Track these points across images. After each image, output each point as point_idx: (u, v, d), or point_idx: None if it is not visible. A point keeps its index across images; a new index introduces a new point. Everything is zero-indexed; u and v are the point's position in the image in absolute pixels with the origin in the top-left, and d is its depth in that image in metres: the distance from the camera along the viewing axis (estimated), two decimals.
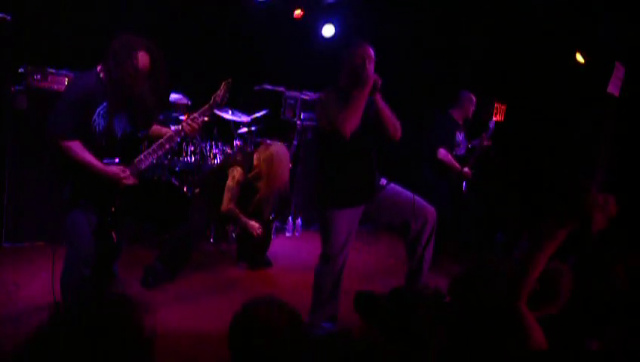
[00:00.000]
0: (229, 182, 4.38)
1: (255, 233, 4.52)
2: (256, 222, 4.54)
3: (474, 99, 5.40)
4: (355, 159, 3.44)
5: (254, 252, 4.97)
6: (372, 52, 3.42)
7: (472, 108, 5.40)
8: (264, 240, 4.93)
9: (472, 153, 5.42)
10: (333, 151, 3.44)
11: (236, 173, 4.39)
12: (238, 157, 4.52)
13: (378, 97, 3.35)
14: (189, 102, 6.05)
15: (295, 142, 5.40)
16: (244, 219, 4.49)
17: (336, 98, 3.35)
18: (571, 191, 1.81)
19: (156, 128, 3.52)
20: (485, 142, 5.38)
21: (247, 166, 4.45)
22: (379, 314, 2.03)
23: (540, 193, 5.46)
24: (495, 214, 5.97)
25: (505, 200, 5.59)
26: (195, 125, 3.37)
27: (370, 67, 3.34)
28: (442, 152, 5.17)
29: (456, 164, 5.21)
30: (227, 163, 4.55)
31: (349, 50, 3.44)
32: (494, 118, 5.36)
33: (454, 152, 5.28)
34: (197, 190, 4.43)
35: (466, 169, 5.24)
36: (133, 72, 3.09)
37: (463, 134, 5.40)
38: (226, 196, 4.38)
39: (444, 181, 5.25)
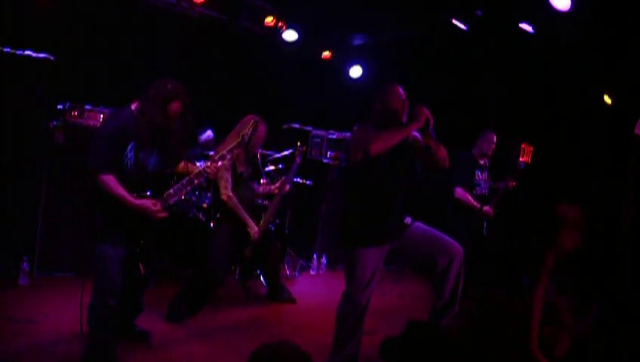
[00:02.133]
0: (219, 172, 4.18)
1: (252, 235, 4.44)
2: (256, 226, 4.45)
3: (493, 137, 5.39)
4: (382, 198, 3.46)
5: (267, 271, 4.99)
6: (404, 94, 3.52)
7: (487, 146, 5.38)
8: (270, 257, 4.89)
9: (495, 193, 5.40)
10: (360, 189, 3.46)
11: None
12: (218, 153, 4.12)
13: (432, 133, 3.39)
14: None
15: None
16: (244, 214, 4.37)
17: (374, 131, 3.40)
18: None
19: (184, 165, 3.62)
20: (510, 183, 5.36)
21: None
22: (393, 352, 1.98)
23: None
24: (520, 256, 5.88)
25: (530, 241, 5.51)
26: (214, 168, 3.46)
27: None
28: (459, 191, 5.20)
29: (474, 203, 5.21)
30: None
31: (383, 92, 3.51)
32: (521, 159, 5.35)
33: (474, 191, 5.27)
34: (218, 215, 4.39)
35: (486, 208, 5.23)
36: (166, 118, 3.26)
37: (485, 173, 5.40)
38: (221, 185, 4.28)
39: (465, 220, 5.24)
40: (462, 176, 5.27)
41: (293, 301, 5.08)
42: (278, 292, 5.06)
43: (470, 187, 5.28)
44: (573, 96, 5.85)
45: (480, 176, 5.38)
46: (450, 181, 5.25)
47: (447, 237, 3.59)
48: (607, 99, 5.60)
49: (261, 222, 4.63)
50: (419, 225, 3.61)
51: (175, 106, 3.27)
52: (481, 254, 5.32)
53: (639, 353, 1.96)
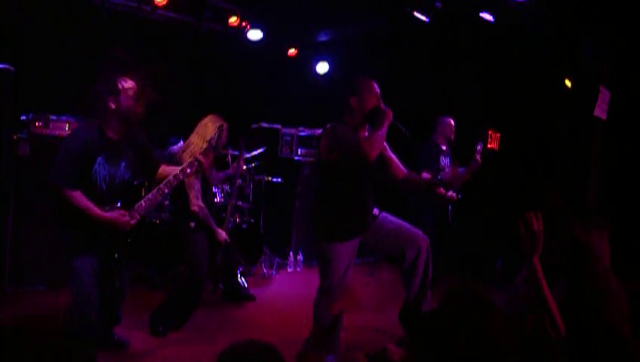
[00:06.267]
0: (187, 180, 4.02)
1: (222, 241, 4.38)
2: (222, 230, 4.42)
3: (452, 122, 5.49)
4: (355, 192, 3.48)
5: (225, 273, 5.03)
6: (378, 88, 3.51)
7: (449, 130, 5.47)
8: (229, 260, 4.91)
9: (457, 178, 5.27)
10: (332, 185, 3.47)
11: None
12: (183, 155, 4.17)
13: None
14: None
15: None
16: (213, 223, 4.29)
17: (352, 131, 3.43)
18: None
19: (162, 169, 3.59)
20: (468, 176, 5.24)
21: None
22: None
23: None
24: (493, 240, 5.99)
25: (502, 226, 5.60)
26: (183, 177, 3.46)
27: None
28: (425, 176, 5.05)
29: (440, 188, 5.20)
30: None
31: (358, 88, 3.46)
32: (489, 146, 5.41)
33: (439, 177, 5.21)
34: (192, 224, 4.32)
35: (450, 193, 5.26)
36: (123, 100, 3.22)
37: (448, 158, 5.44)
38: (191, 195, 4.15)
39: (430, 207, 5.28)
40: (427, 162, 5.27)
41: (253, 298, 5.11)
42: (235, 292, 5.09)
43: (436, 173, 5.23)
44: (534, 82, 5.98)
45: (444, 161, 5.41)
46: (415, 168, 5.22)
47: (412, 228, 3.63)
48: (568, 83, 5.74)
49: (224, 223, 4.57)
50: (386, 216, 3.64)
51: (128, 85, 3.23)
52: (448, 241, 5.36)
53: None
